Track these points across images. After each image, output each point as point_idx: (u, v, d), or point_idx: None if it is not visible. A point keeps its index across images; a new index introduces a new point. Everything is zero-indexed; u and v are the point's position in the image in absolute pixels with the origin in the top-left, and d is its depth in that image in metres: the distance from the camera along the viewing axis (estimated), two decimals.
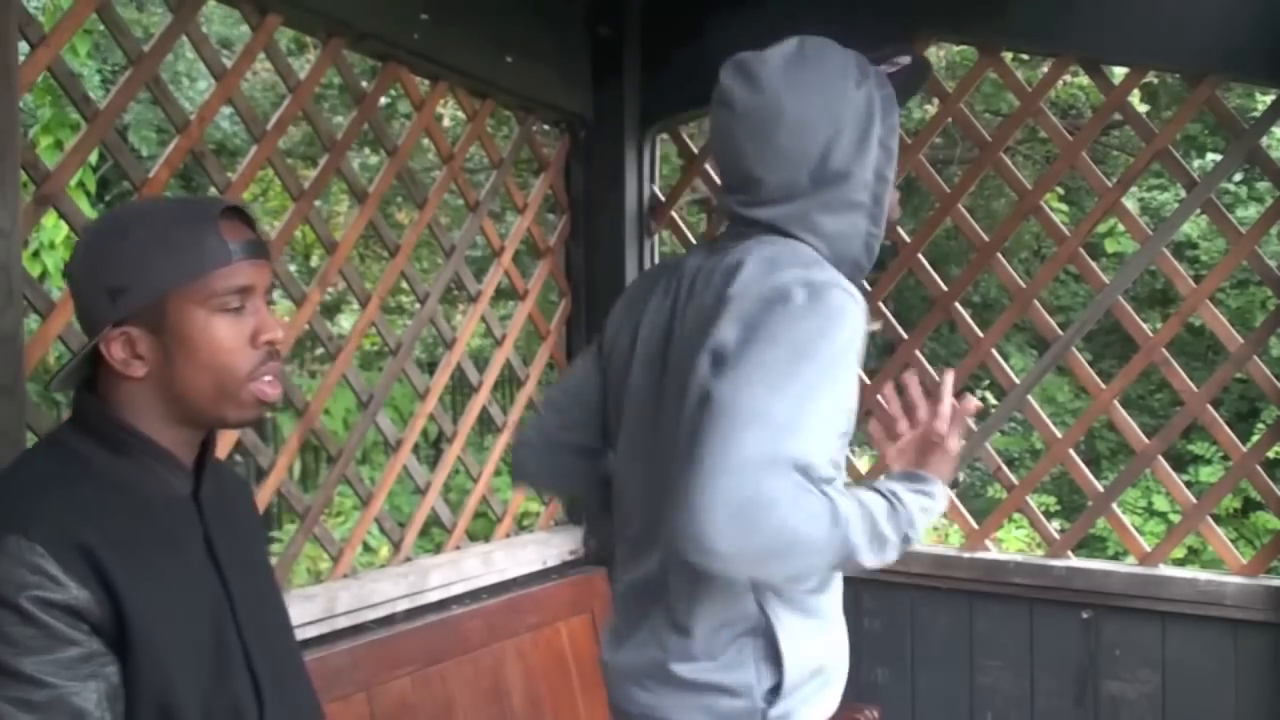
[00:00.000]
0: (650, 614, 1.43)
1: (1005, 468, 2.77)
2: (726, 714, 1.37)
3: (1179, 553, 4.42)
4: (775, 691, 1.38)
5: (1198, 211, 2.54)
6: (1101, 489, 2.66)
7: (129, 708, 1.10)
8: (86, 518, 1.10)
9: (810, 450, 1.21)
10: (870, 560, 1.29)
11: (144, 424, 1.18)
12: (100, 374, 1.19)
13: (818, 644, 1.43)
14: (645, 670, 1.42)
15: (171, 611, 1.13)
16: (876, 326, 1.71)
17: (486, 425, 3.71)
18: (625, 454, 1.50)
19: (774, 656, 1.37)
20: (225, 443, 2.10)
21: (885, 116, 1.42)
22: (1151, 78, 4.92)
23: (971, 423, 3.01)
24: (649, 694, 1.42)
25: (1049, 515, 6.60)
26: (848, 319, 1.32)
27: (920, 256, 2.76)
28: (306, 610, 2.13)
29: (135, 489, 1.17)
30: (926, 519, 1.37)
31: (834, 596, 1.47)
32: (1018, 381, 2.71)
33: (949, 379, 1.53)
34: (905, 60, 1.52)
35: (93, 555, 1.08)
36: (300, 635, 2.05)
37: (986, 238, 2.71)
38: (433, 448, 5.90)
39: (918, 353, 2.82)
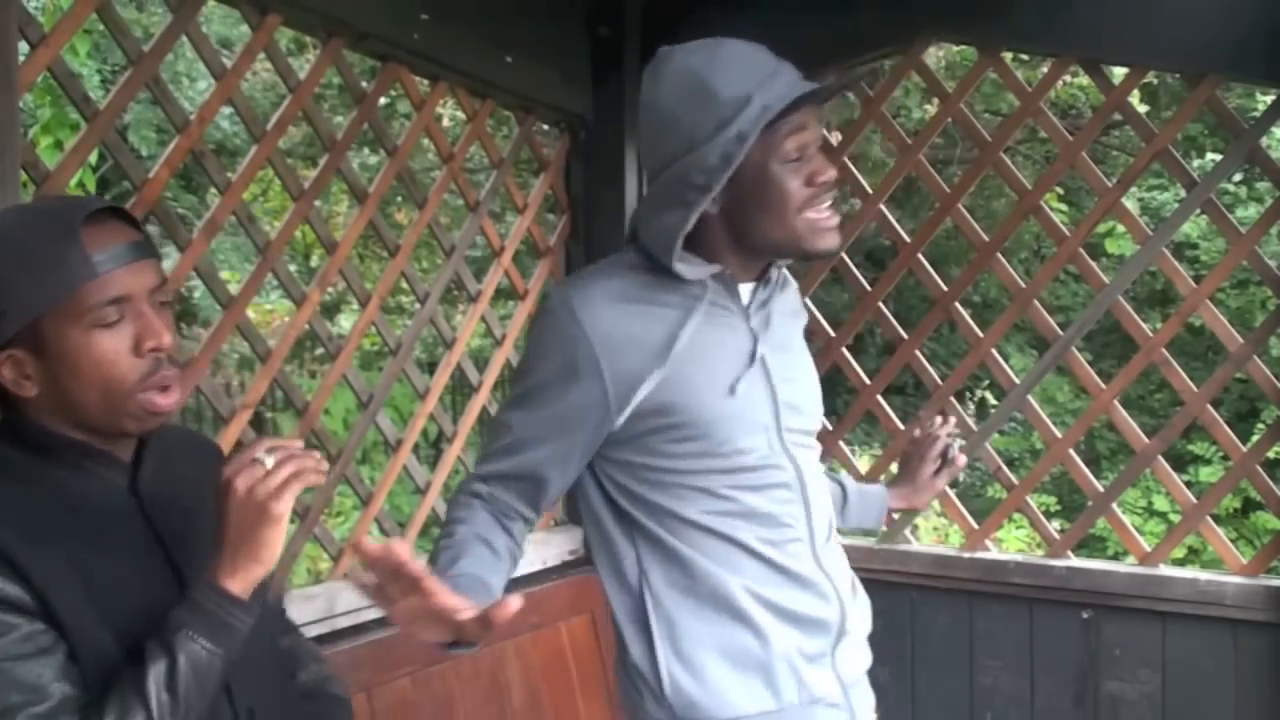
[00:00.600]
0: None
1: (1005, 468, 2.77)
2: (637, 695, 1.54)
3: (1179, 553, 4.42)
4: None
5: (1198, 211, 2.54)
6: (1101, 489, 2.66)
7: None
8: (4, 517, 1.09)
9: (502, 458, 1.50)
10: None
11: (64, 429, 1.18)
12: (6, 390, 1.17)
13: (716, 634, 1.48)
14: None
15: (106, 610, 1.12)
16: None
17: (486, 425, 3.70)
18: None
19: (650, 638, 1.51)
20: (225, 443, 2.10)
21: (762, 112, 1.36)
22: (1151, 78, 4.92)
23: (971, 422, 3.02)
24: None
25: (1049, 515, 6.60)
26: (545, 338, 1.48)
27: (920, 256, 2.76)
28: (307, 610, 2.13)
29: (63, 487, 1.16)
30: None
31: (738, 594, 1.48)
32: (1018, 381, 2.71)
33: None
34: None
35: (9, 555, 1.07)
36: None
37: (986, 238, 2.71)
38: (433, 448, 5.91)
39: (918, 352, 2.82)
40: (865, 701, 1.63)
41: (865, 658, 1.64)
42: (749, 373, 1.50)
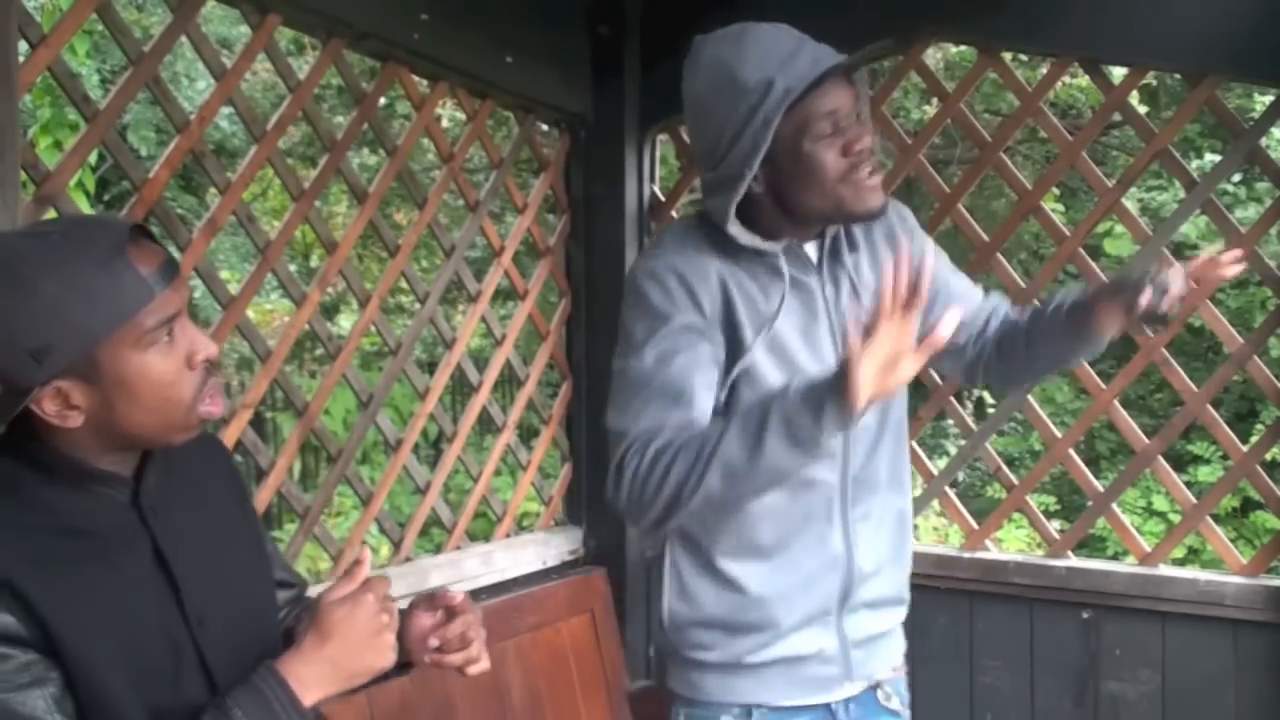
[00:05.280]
0: None
1: (1005, 468, 2.77)
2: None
3: (1178, 553, 4.42)
4: (661, 624, 1.63)
5: (1198, 211, 2.54)
6: (1101, 489, 2.66)
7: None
8: (7, 545, 1.08)
9: (632, 418, 1.47)
10: (757, 464, 1.39)
11: (83, 454, 1.15)
12: (33, 416, 1.12)
13: (714, 599, 1.59)
14: None
15: (104, 630, 1.11)
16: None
17: (486, 425, 3.71)
18: None
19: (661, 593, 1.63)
20: (225, 443, 2.10)
21: (785, 94, 1.43)
22: (1151, 78, 4.92)
23: (971, 422, 3.02)
24: None
25: (1049, 515, 6.59)
26: (649, 297, 1.51)
27: None
28: None
29: (66, 510, 1.14)
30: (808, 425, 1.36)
31: (753, 567, 1.58)
32: None
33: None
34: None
35: (11, 584, 1.06)
36: None
37: (986, 238, 2.71)
38: (433, 448, 5.90)
39: None
40: (873, 662, 1.66)
41: (882, 623, 1.67)
42: (822, 345, 1.56)
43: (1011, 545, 6.21)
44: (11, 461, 1.14)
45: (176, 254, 2.04)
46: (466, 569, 2.56)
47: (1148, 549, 2.57)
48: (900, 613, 1.73)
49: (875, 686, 1.68)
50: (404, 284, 2.68)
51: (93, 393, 1.12)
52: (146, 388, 1.13)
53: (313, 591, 1.54)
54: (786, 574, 1.58)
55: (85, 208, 5.15)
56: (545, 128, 3.03)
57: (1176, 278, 1.57)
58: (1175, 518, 6.72)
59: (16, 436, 1.15)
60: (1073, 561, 2.62)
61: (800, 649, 1.60)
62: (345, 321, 7.79)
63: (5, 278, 1.08)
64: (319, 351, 7.12)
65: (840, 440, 1.55)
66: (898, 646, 1.75)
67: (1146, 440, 2.58)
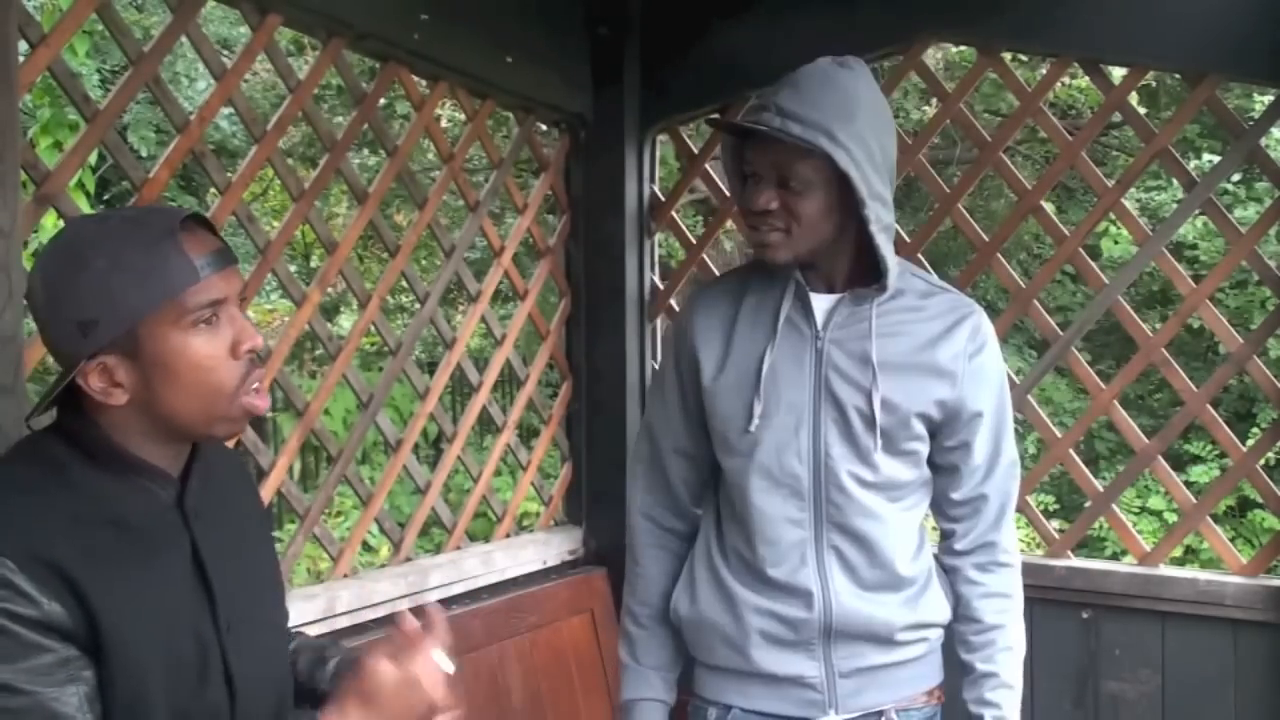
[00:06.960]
0: None
1: None
2: None
3: (1177, 552, 4.42)
4: None
5: (1197, 211, 2.54)
6: (1101, 489, 2.66)
7: (104, 717, 1.10)
8: (59, 531, 1.09)
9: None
10: None
11: (130, 442, 1.16)
12: (82, 395, 1.15)
13: (685, 604, 1.71)
14: None
15: (148, 626, 1.12)
16: None
17: (486, 425, 3.71)
18: None
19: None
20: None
21: None
22: (1151, 79, 4.92)
23: None
24: None
25: (1049, 515, 6.59)
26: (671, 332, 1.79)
27: (920, 257, 2.76)
28: (307, 610, 2.13)
29: (114, 501, 1.15)
30: None
31: (708, 572, 1.70)
32: (1017, 382, 2.71)
33: None
34: None
35: (64, 570, 1.07)
36: None
37: (986, 238, 2.71)
38: (433, 448, 5.91)
39: None
40: (872, 694, 1.66)
41: (885, 655, 1.67)
42: (800, 402, 1.63)
43: None
44: (60, 445, 1.16)
45: None
46: (466, 569, 2.56)
47: (1147, 549, 2.56)
48: (918, 648, 1.71)
49: (879, 714, 1.67)
50: (404, 284, 2.68)
51: (135, 370, 1.14)
52: (186, 368, 1.14)
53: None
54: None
55: (85, 208, 5.14)
56: (545, 128, 3.03)
57: None
58: (1171, 517, 6.73)
59: (65, 421, 1.17)
60: (1072, 561, 2.62)
61: (774, 669, 1.63)
62: (345, 321, 7.80)
63: (63, 255, 1.15)
64: (319, 351, 7.13)
65: (809, 479, 1.62)
66: (920, 680, 1.72)
67: (1146, 440, 2.58)
